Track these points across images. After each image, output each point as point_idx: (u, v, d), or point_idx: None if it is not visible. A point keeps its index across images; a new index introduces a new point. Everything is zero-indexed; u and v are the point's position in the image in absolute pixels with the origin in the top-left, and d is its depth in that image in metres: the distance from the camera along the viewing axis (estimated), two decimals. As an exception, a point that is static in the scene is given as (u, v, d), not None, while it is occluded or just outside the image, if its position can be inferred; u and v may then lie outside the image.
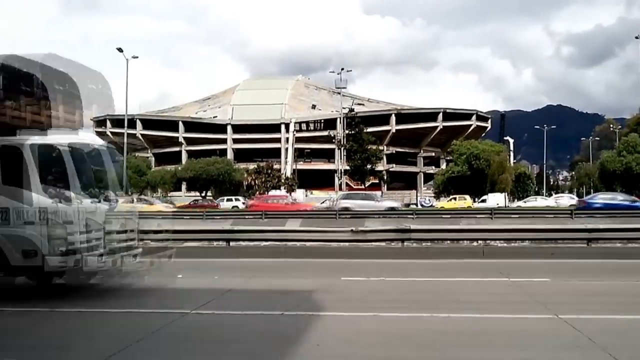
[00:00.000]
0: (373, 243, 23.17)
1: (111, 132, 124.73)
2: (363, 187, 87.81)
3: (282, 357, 8.43)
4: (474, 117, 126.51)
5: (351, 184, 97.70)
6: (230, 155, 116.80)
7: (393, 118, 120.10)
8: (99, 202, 13.70)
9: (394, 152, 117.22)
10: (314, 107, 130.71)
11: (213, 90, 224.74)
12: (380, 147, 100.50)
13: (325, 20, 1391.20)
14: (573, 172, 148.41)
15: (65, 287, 14.23)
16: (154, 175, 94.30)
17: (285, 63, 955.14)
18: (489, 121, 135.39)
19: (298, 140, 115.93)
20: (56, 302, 12.58)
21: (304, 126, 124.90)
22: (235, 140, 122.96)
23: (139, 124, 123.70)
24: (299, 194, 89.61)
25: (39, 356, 8.86)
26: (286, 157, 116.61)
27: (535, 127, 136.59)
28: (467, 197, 73.02)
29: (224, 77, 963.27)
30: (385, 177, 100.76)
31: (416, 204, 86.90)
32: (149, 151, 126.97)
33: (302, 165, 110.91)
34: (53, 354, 8.95)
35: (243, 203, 72.46)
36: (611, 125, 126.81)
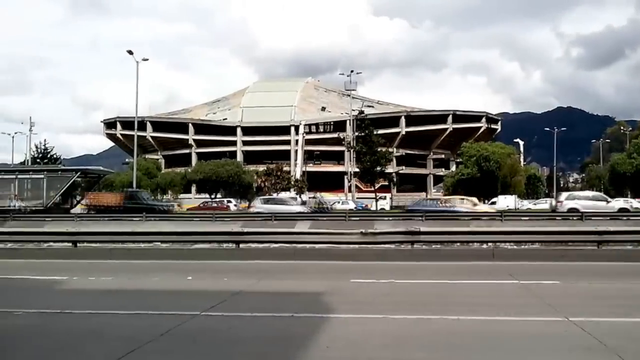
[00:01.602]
0: (382, 245, 23.17)
1: (121, 134, 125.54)
2: (373, 189, 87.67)
3: (292, 358, 8.43)
4: (483, 119, 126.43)
5: (361, 186, 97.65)
6: (240, 157, 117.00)
7: (403, 120, 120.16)
8: None
9: (403, 154, 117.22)
10: (323, 109, 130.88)
11: (221, 92, 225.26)
12: (390, 149, 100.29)
13: (333, 22, 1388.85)
14: (583, 174, 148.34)
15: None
16: (164, 177, 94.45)
17: (294, 65, 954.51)
18: (499, 123, 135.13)
19: (308, 142, 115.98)
20: (65, 304, 12.61)
21: (313, 128, 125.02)
22: (245, 143, 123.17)
23: (149, 126, 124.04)
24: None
25: (52, 356, 8.90)
26: (296, 159, 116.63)
27: (545, 129, 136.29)
28: (475, 199, 72.68)
29: (233, 79, 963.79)
30: (394, 179, 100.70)
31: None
32: (159, 153, 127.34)
33: (311, 168, 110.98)
34: (65, 355, 8.98)
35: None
36: (622, 128, 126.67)
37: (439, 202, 56.17)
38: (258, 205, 55.33)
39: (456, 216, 41.59)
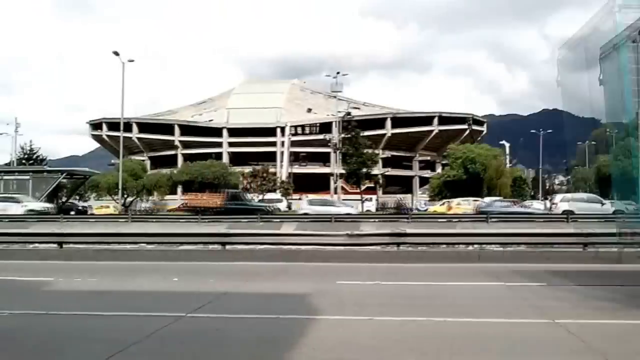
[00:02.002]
0: (368, 247, 23.19)
1: (107, 136, 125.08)
2: (359, 190, 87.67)
3: (278, 360, 8.41)
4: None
5: (347, 188, 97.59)
6: (226, 158, 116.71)
7: (389, 122, 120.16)
8: None
9: (389, 155, 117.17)
10: (309, 110, 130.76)
11: (207, 93, 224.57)
12: (376, 151, 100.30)
13: (319, 23, 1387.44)
14: (569, 177, 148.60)
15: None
16: (150, 178, 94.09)
17: (279, 66, 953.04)
18: (485, 125, 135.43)
19: (294, 144, 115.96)
20: (51, 305, 12.54)
21: (299, 130, 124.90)
22: (231, 144, 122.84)
23: (134, 128, 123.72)
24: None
25: (35, 359, 8.84)
26: (282, 161, 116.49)
27: (532, 131, 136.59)
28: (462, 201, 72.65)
29: (218, 80, 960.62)
30: (380, 181, 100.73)
31: (411, 208, 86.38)
32: (145, 154, 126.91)
33: (297, 169, 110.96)
34: (48, 357, 8.92)
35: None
36: (607, 130, 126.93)
37: (512, 204, 56.46)
38: (305, 207, 54.91)
39: (531, 218, 41.87)
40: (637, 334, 10.13)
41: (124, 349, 8.89)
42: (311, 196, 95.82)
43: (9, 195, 56.95)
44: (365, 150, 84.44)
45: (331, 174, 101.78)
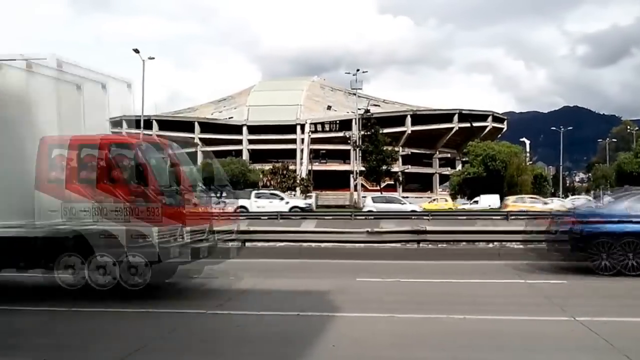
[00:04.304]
0: (388, 244, 23.13)
1: (127, 133, 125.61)
2: (379, 188, 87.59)
3: (298, 357, 8.43)
4: (489, 119, 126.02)
5: (367, 185, 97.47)
6: (245, 156, 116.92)
7: (409, 119, 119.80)
8: None
9: (409, 153, 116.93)
10: (329, 108, 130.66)
11: (225, 90, 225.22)
12: (396, 148, 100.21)
13: (337, 20, 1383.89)
14: (589, 174, 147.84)
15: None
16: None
17: (298, 63, 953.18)
18: (505, 122, 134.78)
19: (313, 141, 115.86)
20: (74, 302, 12.61)
21: (319, 127, 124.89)
22: (250, 141, 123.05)
23: (155, 125, 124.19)
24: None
25: (57, 355, 8.90)
26: (301, 158, 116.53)
27: (552, 128, 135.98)
28: (449, 198, 72.52)
29: (236, 77, 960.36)
30: (400, 179, 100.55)
31: None
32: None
33: (317, 166, 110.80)
34: (71, 353, 8.99)
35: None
36: (628, 127, 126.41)
37: None
38: (369, 204, 54.82)
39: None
40: (659, 332, 10.08)
41: (145, 346, 8.96)
42: (331, 193, 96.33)
43: (272, 192, 59.62)
44: (385, 148, 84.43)
45: (351, 172, 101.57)
